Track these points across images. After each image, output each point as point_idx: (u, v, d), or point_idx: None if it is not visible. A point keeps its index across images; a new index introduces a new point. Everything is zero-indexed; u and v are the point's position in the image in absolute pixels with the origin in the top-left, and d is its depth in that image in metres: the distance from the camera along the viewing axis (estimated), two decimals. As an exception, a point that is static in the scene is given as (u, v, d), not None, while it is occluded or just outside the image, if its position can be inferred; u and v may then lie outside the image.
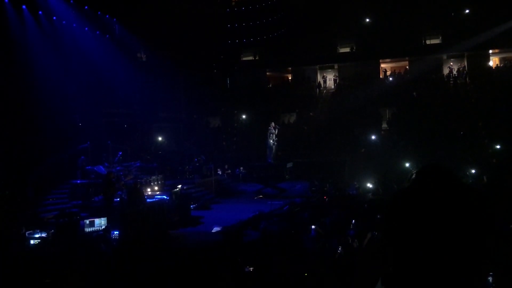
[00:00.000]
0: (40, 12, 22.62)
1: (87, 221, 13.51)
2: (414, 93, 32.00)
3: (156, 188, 19.55)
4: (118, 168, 19.75)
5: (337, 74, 38.82)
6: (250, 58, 40.85)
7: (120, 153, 20.91)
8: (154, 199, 17.02)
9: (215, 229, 14.27)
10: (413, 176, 1.38)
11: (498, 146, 22.53)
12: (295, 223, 12.98)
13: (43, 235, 12.67)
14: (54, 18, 23.50)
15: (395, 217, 1.35)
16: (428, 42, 36.81)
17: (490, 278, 6.24)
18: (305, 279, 7.18)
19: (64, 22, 24.00)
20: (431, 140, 25.03)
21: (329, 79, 38.94)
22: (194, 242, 12.95)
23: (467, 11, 35.02)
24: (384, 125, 30.78)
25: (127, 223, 13.35)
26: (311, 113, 33.70)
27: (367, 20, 37.42)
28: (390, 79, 36.19)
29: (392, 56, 37.55)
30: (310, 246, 9.92)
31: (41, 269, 9.07)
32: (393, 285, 1.33)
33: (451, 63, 36.16)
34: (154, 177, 20.10)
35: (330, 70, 39.48)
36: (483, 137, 24.49)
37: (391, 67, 38.56)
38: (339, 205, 14.64)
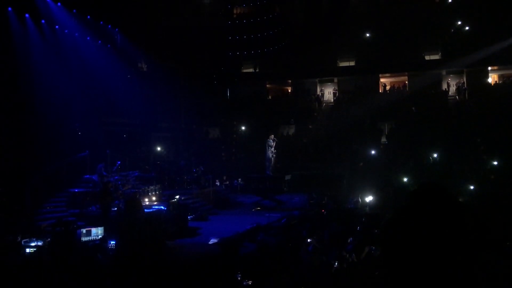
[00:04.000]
0: (42, 21, 22.76)
1: (84, 230, 13.44)
2: (413, 108, 32.12)
3: (153, 198, 19.50)
4: (116, 177, 19.68)
5: (336, 88, 38.99)
6: (251, 70, 41.05)
7: (119, 162, 20.87)
8: (152, 209, 16.96)
9: (212, 240, 14.22)
10: (411, 194, 1.40)
11: (496, 162, 22.57)
12: (293, 236, 12.94)
13: (39, 243, 12.59)
14: (57, 27, 23.64)
15: (392, 235, 1.37)
16: (427, 57, 37.07)
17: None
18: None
19: (66, 31, 24.14)
20: (429, 155, 25.08)
21: (329, 92, 39.11)
22: (191, 253, 12.90)
23: (467, 28, 35.34)
24: (383, 139, 30.84)
25: (124, 233, 13.29)
26: (310, 126, 33.76)
27: (368, 34, 37.72)
28: (389, 93, 36.38)
29: (392, 71, 37.76)
30: (307, 259, 9.88)
31: (37, 277, 9.02)
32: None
33: (449, 79, 36.39)
34: (152, 187, 20.06)
35: (330, 83, 39.66)
36: (482, 153, 24.53)
37: (391, 82, 38.75)
38: (337, 218, 14.61)
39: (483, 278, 1.33)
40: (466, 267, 1.28)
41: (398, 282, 1.33)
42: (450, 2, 36.18)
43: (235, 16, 40.17)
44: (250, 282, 7.84)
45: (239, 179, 27.03)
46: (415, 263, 1.28)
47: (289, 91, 41.26)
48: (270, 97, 40.34)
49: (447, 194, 1.35)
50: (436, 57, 36.98)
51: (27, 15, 22.02)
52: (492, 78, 36.33)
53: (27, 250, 12.39)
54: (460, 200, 1.35)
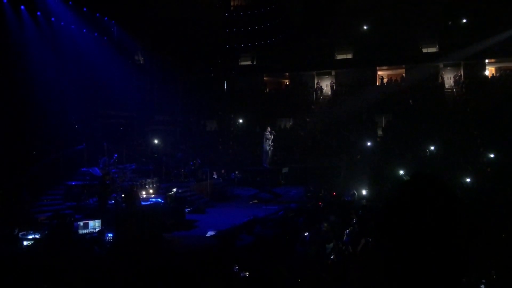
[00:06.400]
0: (38, 13, 22.55)
1: (81, 223, 13.45)
2: (410, 101, 32.15)
3: (151, 191, 19.51)
4: (113, 170, 19.68)
5: (334, 80, 38.95)
6: (248, 62, 40.93)
7: (116, 155, 20.85)
8: (149, 202, 16.98)
9: (210, 233, 14.25)
10: (404, 184, 1.41)
11: (492, 155, 22.65)
12: (290, 228, 12.99)
13: (36, 236, 12.60)
14: (53, 19, 23.43)
15: (386, 225, 1.37)
16: (424, 50, 37.03)
17: (482, 286, 6.28)
18: (298, 285, 7.19)
19: (62, 23, 23.95)
20: (426, 148, 25.15)
21: (326, 85, 39.06)
22: (188, 246, 12.93)
23: (464, 20, 35.27)
24: (380, 132, 30.87)
25: (121, 226, 13.31)
26: (307, 119, 33.77)
27: (365, 27, 37.62)
28: (386, 86, 36.37)
29: (389, 63, 37.71)
30: (304, 251, 9.93)
31: (34, 270, 9.02)
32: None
33: (444, 72, 36.39)
34: (149, 180, 20.05)
35: (327, 76, 39.60)
36: (478, 146, 24.61)
37: (388, 75, 38.71)
38: (333, 211, 14.67)
39: (480, 269, 1.34)
40: (458, 259, 1.28)
41: (392, 273, 1.34)
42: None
43: (232, 8, 39.91)
44: (247, 274, 7.88)
45: (236, 172, 27.04)
46: (407, 254, 1.29)
47: (287, 84, 41.21)
48: (267, 90, 40.28)
49: (439, 185, 1.35)
50: (433, 49, 36.94)
51: (22, 7, 21.82)
52: (489, 71, 36.34)
53: (24, 242, 12.41)
54: (453, 190, 1.35)
